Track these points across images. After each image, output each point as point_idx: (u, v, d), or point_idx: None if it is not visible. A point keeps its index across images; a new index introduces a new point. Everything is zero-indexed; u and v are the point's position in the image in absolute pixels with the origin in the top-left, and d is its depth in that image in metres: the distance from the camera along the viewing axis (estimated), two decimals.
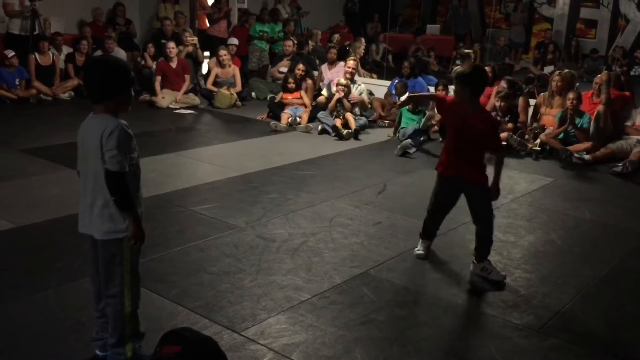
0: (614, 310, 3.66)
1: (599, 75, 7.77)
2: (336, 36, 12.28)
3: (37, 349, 2.98)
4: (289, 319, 3.34)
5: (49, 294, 3.51)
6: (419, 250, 4.24)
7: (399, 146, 7.06)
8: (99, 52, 9.98)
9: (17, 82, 9.13)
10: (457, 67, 10.45)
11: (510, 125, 7.27)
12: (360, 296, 3.65)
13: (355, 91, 8.36)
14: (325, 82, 9.50)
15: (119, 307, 2.74)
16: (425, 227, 4.26)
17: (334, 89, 8.24)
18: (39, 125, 7.75)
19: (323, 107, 8.25)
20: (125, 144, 2.60)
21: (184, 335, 2.63)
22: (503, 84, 7.88)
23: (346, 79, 8.29)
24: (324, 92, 8.56)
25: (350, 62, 8.53)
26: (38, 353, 2.95)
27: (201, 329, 3.14)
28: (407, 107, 7.70)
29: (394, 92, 9.15)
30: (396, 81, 9.28)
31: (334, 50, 10.06)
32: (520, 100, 7.87)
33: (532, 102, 8.01)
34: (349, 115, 7.92)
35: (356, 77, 9.00)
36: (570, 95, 7.24)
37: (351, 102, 8.12)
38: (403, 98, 4.78)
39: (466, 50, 11.59)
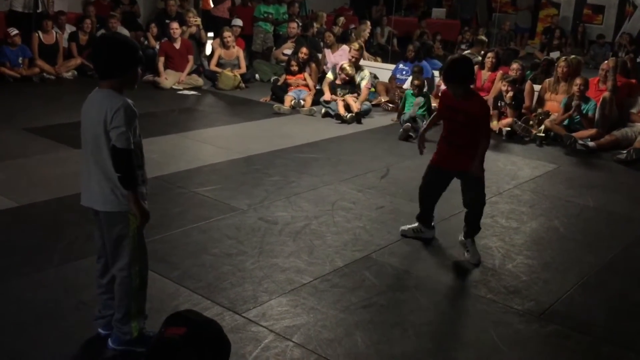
0: (615, 298, 3.66)
1: (606, 62, 7.71)
2: (341, 19, 12.20)
3: (39, 327, 2.99)
4: (290, 302, 3.34)
5: (51, 273, 3.51)
6: (403, 227, 4.30)
7: (401, 130, 7.03)
8: (102, 32, 9.93)
9: (20, 61, 9.08)
10: (465, 53, 10.39)
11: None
12: (361, 280, 3.65)
13: (357, 78, 8.32)
14: (329, 65, 9.45)
15: (126, 281, 2.74)
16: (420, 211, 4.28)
17: (345, 67, 8.24)
18: (42, 104, 7.73)
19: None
20: (132, 121, 2.60)
21: (188, 317, 2.63)
22: (516, 66, 7.84)
23: (350, 65, 8.24)
24: (329, 74, 8.51)
25: (354, 50, 8.47)
26: (40, 332, 2.96)
27: (202, 310, 3.15)
28: (411, 91, 7.67)
29: (398, 75, 9.11)
30: (400, 65, 9.24)
31: (328, 34, 10.01)
32: (527, 85, 7.84)
33: (537, 87, 7.97)
34: (349, 99, 7.88)
35: (361, 62, 8.94)
36: (578, 80, 7.19)
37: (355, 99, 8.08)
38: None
39: (480, 37, 11.52)
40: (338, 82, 8.21)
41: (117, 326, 2.81)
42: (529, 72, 8.73)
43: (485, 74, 8.27)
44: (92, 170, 2.68)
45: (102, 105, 2.59)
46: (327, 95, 8.15)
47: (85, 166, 2.72)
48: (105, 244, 2.77)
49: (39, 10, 9.55)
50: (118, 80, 2.65)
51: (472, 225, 4.04)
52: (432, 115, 4.79)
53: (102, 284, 2.86)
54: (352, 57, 8.41)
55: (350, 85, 8.15)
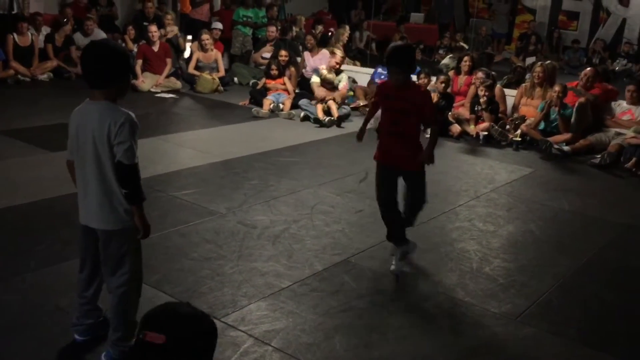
0: (591, 300, 3.71)
1: (589, 69, 7.87)
2: (319, 27, 12.20)
3: (15, 332, 2.95)
4: (269, 306, 3.34)
5: (27, 278, 3.47)
6: (393, 265, 3.90)
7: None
8: (78, 34, 9.85)
9: None
10: (445, 59, 10.48)
11: None
12: (340, 284, 3.66)
13: (336, 81, 8.36)
14: (309, 69, 9.47)
15: (125, 298, 2.68)
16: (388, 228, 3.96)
17: (323, 72, 8.33)
18: (17, 107, 7.60)
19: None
20: (136, 134, 2.53)
21: (167, 322, 2.56)
22: (481, 75, 7.89)
23: (330, 71, 8.31)
24: (314, 78, 8.47)
25: (336, 59, 8.51)
26: (16, 337, 2.92)
27: None
28: None
29: (376, 80, 9.15)
30: (379, 69, 9.29)
31: (309, 38, 10.03)
32: (497, 89, 7.89)
33: (512, 93, 8.07)
34: (331, 103, 7.91)
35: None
36: (556, 87, 7.29)
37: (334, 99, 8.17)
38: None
39: (461, 44, 11.64)
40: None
41: (117, 344, 2.70)
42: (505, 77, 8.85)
43: (461, 79, 8.36)
44: (90, 186, 2.59)
45: (104, 119, 2.50)
46: (318, 93, 8.17)
47: (82, 183, 2.62)
48: (104, 260, 2.68)
49: (14, 12, 9.44)
50: (113, 90, 2.56)
51: (410, 224, 3.97)
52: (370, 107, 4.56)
53: (85, 295, 2.81)
54: (335, 65, 8.46)
55: (331, 89, 8.22)
